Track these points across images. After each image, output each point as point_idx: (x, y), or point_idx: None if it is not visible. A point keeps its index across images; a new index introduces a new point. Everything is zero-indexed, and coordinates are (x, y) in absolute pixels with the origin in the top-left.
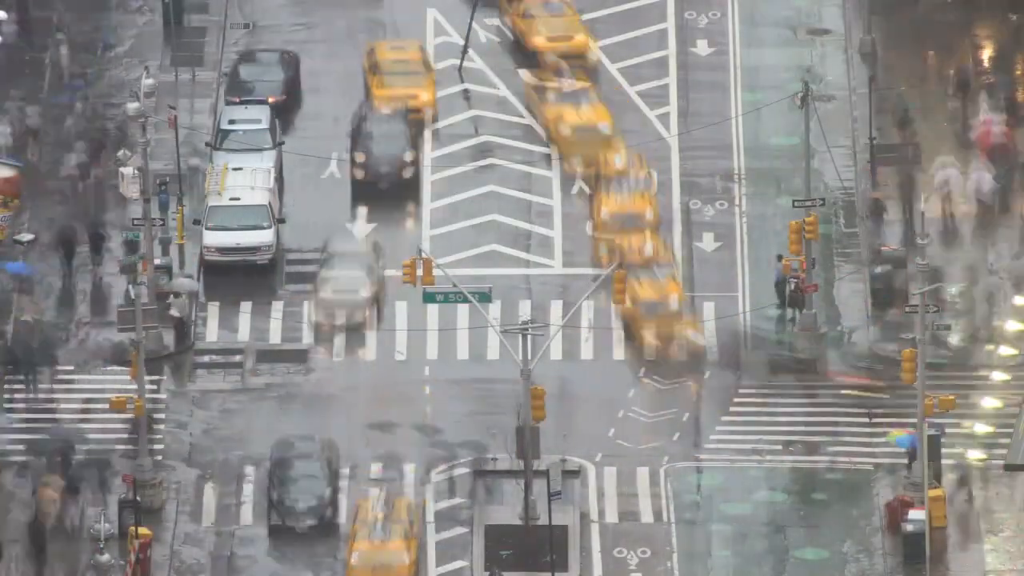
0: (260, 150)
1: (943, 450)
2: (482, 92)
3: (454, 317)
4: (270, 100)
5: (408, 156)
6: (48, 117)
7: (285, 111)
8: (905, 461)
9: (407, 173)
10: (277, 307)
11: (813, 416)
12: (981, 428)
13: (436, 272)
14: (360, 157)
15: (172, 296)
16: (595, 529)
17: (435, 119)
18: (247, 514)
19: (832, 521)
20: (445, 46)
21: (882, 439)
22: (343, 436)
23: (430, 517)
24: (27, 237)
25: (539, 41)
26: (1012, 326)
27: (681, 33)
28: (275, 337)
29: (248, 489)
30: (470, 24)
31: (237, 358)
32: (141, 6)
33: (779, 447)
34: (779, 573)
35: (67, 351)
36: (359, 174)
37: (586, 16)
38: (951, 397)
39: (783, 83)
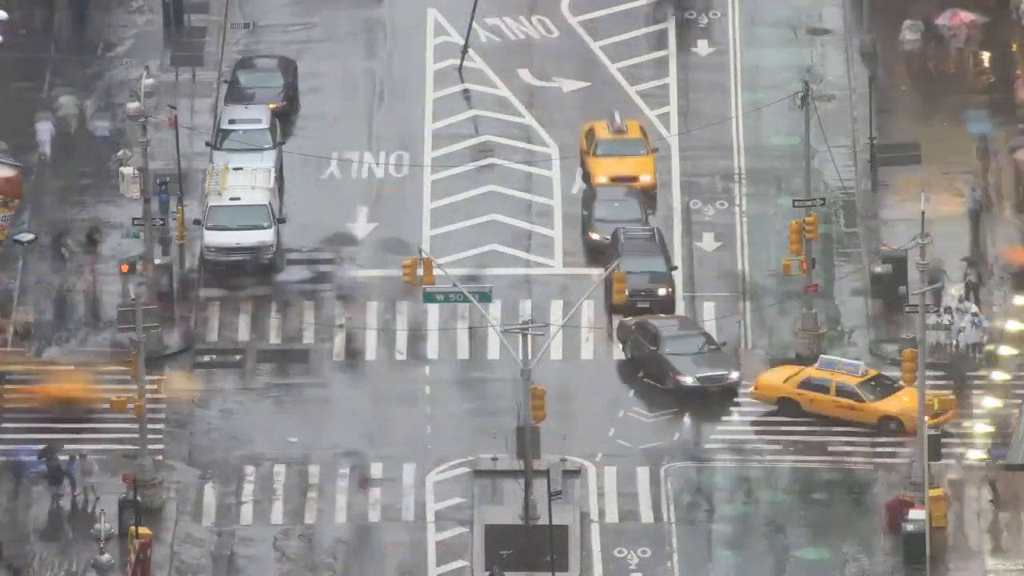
0: (260, 150)
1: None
2: (482, 92)
3: (454, 317)
4: (271, 107)
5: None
6: None
7: (284, 114)
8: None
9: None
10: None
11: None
12: (981, 428)
13: (436, 272)
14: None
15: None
16: (595, 529)
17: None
18: (247, 514)
19: (832, 521)
20: (445, 46)
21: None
22: (344, 435)
23: (430, 517)
24: (27, 237)
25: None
26: (1012, 326)
27: (681, 33)
28: (275, 337)
29: (248, 489)
30: (470, 24)
31: (237, 358)
32: (141, 6)
33: (779, 447)
34: (779, 573)
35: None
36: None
37: (586, 16)
38: (951, 397)
39: (783, 83)
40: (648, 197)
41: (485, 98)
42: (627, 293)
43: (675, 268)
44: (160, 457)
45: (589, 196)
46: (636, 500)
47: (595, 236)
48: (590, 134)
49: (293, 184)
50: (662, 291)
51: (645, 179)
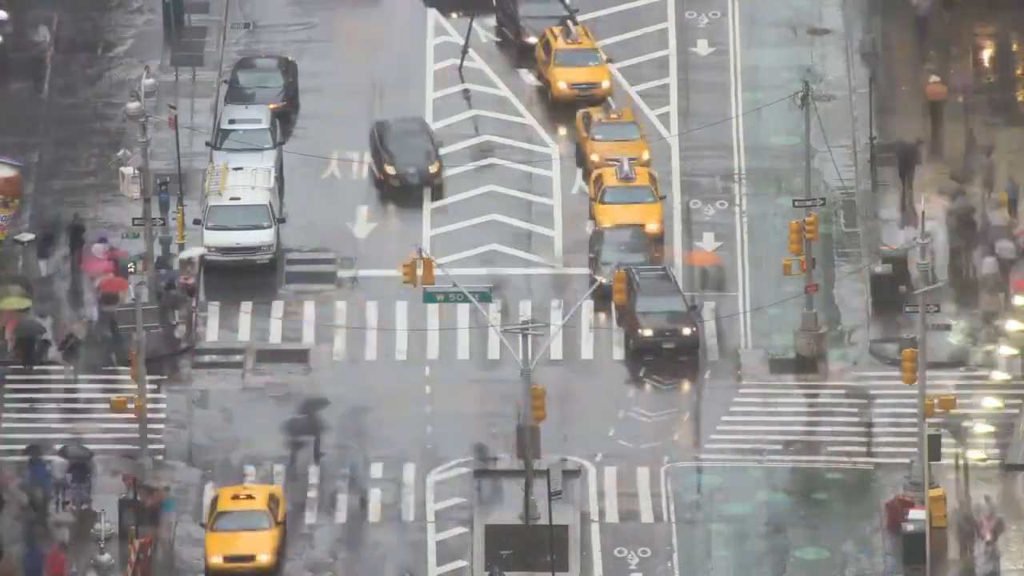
0: (260, 150)
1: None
2: (482, 92)
3: (454, 317)
4: (271, 107)
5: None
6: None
7: (284, 114)
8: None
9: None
10: (277, 307)
11: (813, 416)
12: (981, 428)
13: (436, 272)
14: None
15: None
16: (595, 529)
17: None
18: None
19: (832, 521)
20: (445, 46)
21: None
22: (342, 436)
23: (430, 517)
24: (27, 237)
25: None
26: (1012, 326)
27: (681, 33)
28: (275, 337)
29: None
30: (470, 24)
31: (237, 358)
32: (141, 6)
33: (779, 447)
34: (779, 573)
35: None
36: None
37: (586, 16)
38: (951, 397)
39: (783, 83)
40: (655, 242)
41: (485, 98)
42: (651, 333)
43: (694, 307)
44: (160, 457)
45: (596, 237)
46: (636, 500)
47: (603, 279)
48: (598, 180)
49: (293, 184)
50: (687, 331)
51: (652, 227)
